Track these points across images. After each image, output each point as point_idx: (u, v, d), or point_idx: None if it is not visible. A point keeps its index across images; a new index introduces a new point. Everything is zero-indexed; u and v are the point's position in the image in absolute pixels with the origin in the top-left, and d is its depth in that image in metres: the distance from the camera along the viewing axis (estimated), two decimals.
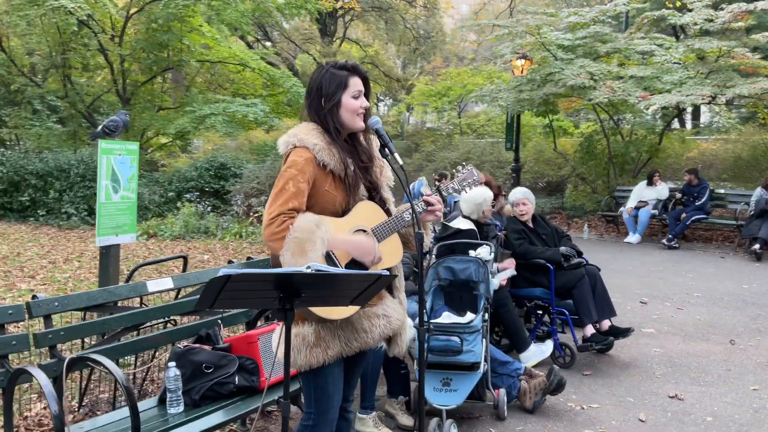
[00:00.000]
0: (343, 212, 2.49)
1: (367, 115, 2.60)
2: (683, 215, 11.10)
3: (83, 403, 3.93)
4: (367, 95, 2.60)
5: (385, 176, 2.69)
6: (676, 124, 23.83)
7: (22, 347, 2.98)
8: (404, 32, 32.55)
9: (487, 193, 5.20)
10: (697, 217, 11.03)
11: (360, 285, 2.25)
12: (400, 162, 2.57)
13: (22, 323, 3.67)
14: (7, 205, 13.67)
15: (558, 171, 16.75)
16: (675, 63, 12.29)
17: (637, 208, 11.87)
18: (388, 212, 2.60)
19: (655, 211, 11.76)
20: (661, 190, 11.94)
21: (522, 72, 14.27)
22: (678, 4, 14.82)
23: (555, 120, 17.32)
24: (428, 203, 2.61)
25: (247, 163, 14.80)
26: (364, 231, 2.50)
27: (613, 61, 13.23)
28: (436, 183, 10.79)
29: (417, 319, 3.94)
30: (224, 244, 10.79)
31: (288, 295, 2.20)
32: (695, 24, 11.86)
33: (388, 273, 2.23)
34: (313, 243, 2.27)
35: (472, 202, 5.13)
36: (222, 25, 17.57)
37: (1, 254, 9.27)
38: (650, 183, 12.05)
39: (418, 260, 2.53)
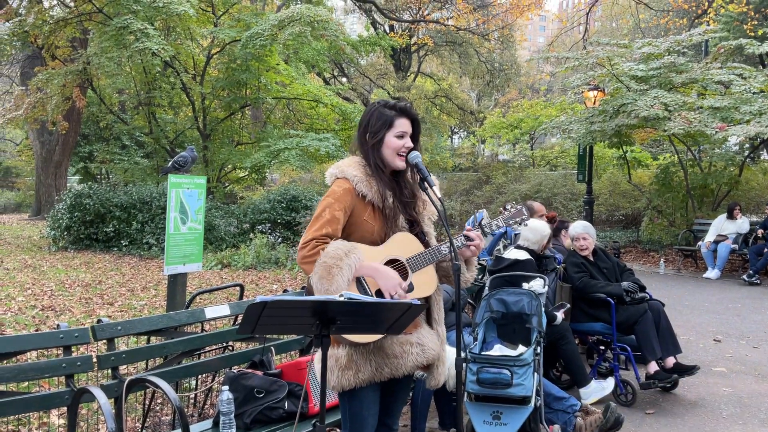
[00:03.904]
0: (381, 242, 2.58)
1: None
2: (765, 250, 10.61)
3: (146, 424, 4.12)
4: (414, 137, 2.69)
5: (428, 211, 2.76)
6: (765, 155, 22.91)
7: (87, 368, 3.19)
8: (478, 65, 32.68)
9: (543, 228, 5.19)
10: None
11: (393, 314, 2.32)
12: (439, 195, 2.64)
13: (90, 345, 3.89)
14: (93, 235, 14.44)
15: (634, 203, 16.34)
16: (755, 93, 11.87)
17: (716, 243, 11.44)
18: (426, 245, 2.67)
19: (735, 246, 11.30)
20: (742, 223, 11.48)
21: (594, 103, 14.10)
22: (760, 32, 14.38)
23: (630, 152, 16.96)
24: (467, 237, 2.66)
25: (319, 196, 15.13)
26: (398, 261, 2.57)
27: (692, 92, 12.90)
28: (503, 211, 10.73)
29: (466, 350, 3.96)
30: (293, 274, 11.04)
31: (324, 322, 2.30)
32: None
33: (419, 302, 2.28)
34: (339, 269, 2.37)
35: (536, 232, 5.14)
36: (300, 63, 18.21)
37: (84, 282, 9.81)
38: (730, 216, 11.61)
39: (455, 292, 2.57)
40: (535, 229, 5.15)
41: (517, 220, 2.83)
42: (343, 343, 2.50)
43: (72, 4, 15.44)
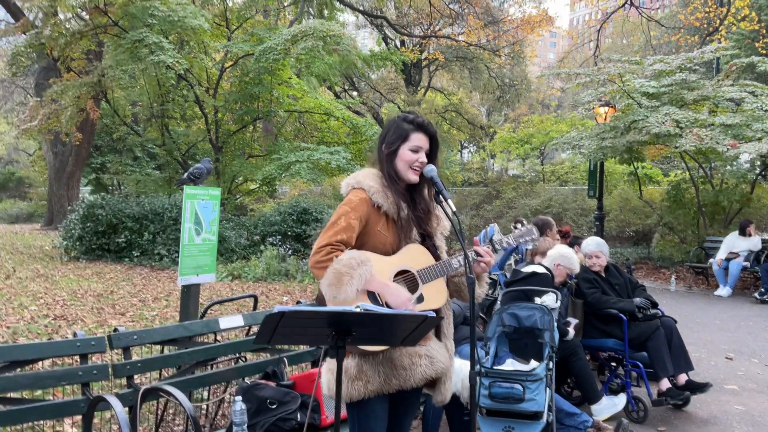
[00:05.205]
0: (393, 253, 2.61)
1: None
2: None
3: None
4: (432, 153, 2.72)
5: (442, 227, 2.79)
6: None
7: (103, 377, 3.22)
8: (488, 81, 32.74)
9: (576, 261, 5.24)
10: None
11: (408, 326, 2.34)
12: (453, 209, 2.67)
13: (104, 354, 3.91)
14: (105, 246, 14.51)
15: (645, 220, 16.30)
16: (767, 110, 11.85)
17: (727, 260, 11.39)
18: (438, 258, 2.70)
19: (747, 263, 11.24)
20: (754, 241, 11.42)
21: (605, 119, 14.09)
22: None
23: (641, 168, 16.93)
24: (477, 253, 2.68)
25: (329, 209, 15.18)
26: (409, 272, 2.59)
27: (703, 109, 12.90)
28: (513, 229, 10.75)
29: (477, 364, 3.96)
30: (303, 286, 11.06)
31: (340, 332, 2.32)
32: None
33: (434, 314, 2.30)
34: (351, 277, 2.39)
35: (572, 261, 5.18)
36: (311, 77, 18.33)
37: (96, 292, 9.86)
38: (742, 233, 11.56)
39: (470, 305, 2.59)
40: (571, 259, 5.16)
41: (527, 239, 2.89)
42: (353, 353, 2.52)
43: (88, 17, 15.63)
